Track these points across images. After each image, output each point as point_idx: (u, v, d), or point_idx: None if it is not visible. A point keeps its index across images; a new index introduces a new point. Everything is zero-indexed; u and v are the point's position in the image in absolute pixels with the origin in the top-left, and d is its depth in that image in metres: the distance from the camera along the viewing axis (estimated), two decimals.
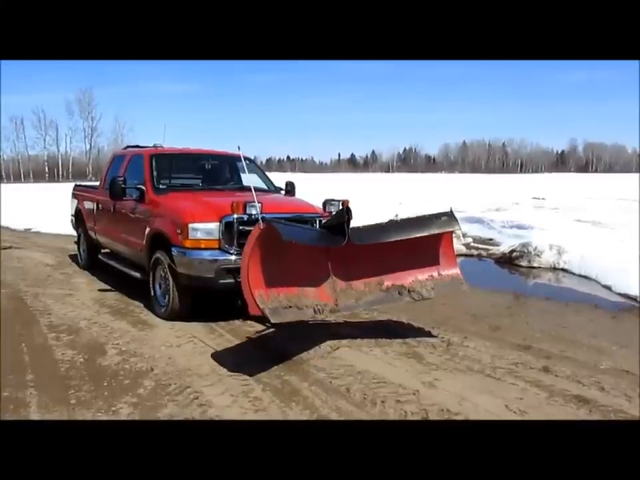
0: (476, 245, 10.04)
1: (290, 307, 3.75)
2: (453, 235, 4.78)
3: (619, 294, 6.39)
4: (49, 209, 16.07)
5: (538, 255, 8.29)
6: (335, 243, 4.05)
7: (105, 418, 3.14)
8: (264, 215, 3.63)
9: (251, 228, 4.82)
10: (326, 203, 5.36)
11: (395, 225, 4.51)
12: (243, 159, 5.13)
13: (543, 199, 22.26)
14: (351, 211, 4.10)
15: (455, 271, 4.62)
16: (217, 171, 6.93)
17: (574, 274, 7.68)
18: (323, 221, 4.74)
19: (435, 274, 4.60)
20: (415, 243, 4.37)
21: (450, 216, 4.47)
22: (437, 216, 4.54)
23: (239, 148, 4.88)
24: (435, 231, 4.43)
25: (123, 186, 5.79)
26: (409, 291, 4.46)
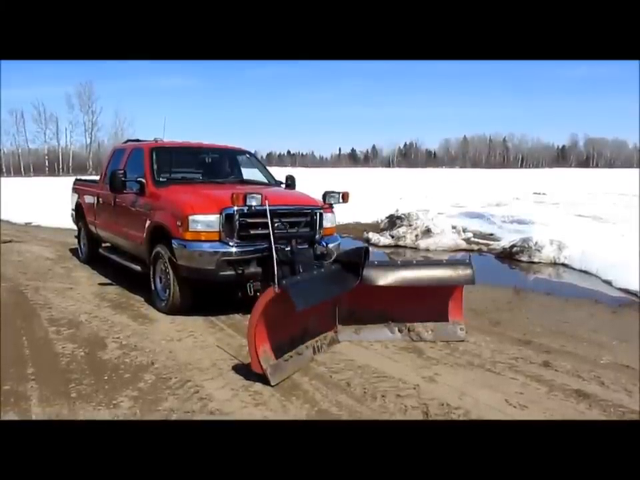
0: (476, 240, 10.03)
1: (291, 356, 3.79)
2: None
3: (620, 289, 6.41)
4: (49, 203, 16.07)
5: (538, 250, 8.29)
6: (347, 286, 4.11)
7: (105, 411, 3.15)
8: (283, 282, 3.47)
9: (252, 220, 4.87)
10: (325, 194, 5.37)
11: (409, 267, 4.45)
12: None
13: (544, 194, 22.27)
14: (369, 254, 4.23)
15: (460, 323, 4.55)
16: (217, 165, 6.92)
17: (574, 269, 7.69)
18: (333, 256, 4.65)
19: (439, 320, 4.54)
20: (425, 287, 4.37)
21: (467, 265, 4.40)
22: (455, 265, 4.51)
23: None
24: (449, 282, 4.41)
25: (123, 179, 5.75)
26: (409, 329, 4.48)
